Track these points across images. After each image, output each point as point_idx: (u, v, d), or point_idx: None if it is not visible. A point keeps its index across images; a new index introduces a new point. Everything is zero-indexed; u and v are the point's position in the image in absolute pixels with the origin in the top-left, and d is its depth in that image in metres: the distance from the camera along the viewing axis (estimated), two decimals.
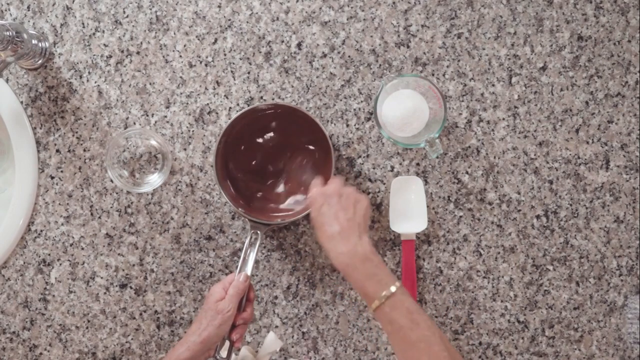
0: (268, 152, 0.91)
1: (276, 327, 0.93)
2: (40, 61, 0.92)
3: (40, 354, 0.94)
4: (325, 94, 0.92)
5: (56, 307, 0.94)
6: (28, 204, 0.93)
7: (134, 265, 0.94)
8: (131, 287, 0.94)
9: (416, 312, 0.72)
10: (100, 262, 0.93)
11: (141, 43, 0.93)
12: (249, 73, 0.92)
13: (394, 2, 0.91)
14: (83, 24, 0.93)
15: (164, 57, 0.92)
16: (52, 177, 0.94)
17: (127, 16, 0.93)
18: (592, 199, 0.91)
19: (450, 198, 0.91)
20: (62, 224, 0.94)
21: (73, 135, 0.93)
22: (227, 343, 0.82)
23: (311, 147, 0.90)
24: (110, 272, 0.94)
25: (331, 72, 0.92)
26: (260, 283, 0.93)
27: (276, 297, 0.93)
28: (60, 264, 0.94)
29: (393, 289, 0.72)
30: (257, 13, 0.92)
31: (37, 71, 0.94)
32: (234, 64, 0.92)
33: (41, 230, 0.94)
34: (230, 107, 0.92)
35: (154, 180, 0.92)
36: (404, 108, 0.85)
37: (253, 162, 0.91)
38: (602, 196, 0.91)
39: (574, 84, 0.91)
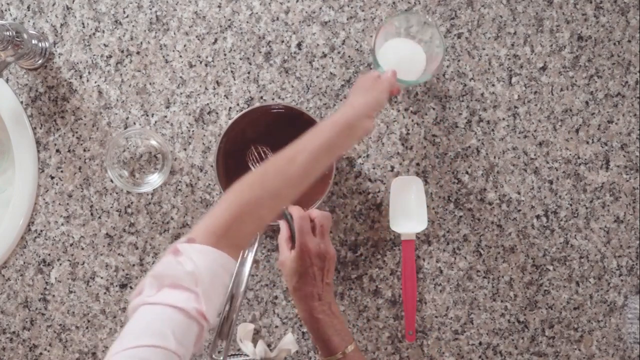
0: (268, 152, 0.91)
1: (276, 327, 0.93)
2: (40, 61, 0.92)
3: (40, 354, 0.94)
4: (325, 94, 0.92)
5: (56, 307, 0.94)
6: (28, 204, 0.93)
7: (134, 265, 0.94)
8: (131, 287, 0.94)
9: None
10: (100, 262, 0.93)
11: (141, 43, 0.93)
12: (249, 73, 0.92)
13: (394, 2, 0.91)
14: (83, 24, 0.93)
15: (164, 57, 0.92)
16: (52, 177, 0.94)
17: (127, 16, 0.93)
18: (592, 199, 0.91)
19: (450, 198, 0.91)
20: (62, 224, 0.94)
21: (73, 135, 0.93)
22: (225, 343, 0.82)
23: None
24: (110, 272, 0.94)
25: (331, 72, 0.92)
26: (260, 283, 0.93)
27: (276, 297, 0.93)
28: (60, 264, 0.94)
29: (350, 348, 0.78)
30: (257, 13, 0.92)
31: (37, 71, 0.94)
32: (234, 64, 0.92)
33: (41, 230, 0.94)
34: (230, 107, 0.92)
35: (154, 180, 0.92)
36: (400, 57, 0.83)
37: (253, 162, 0.91)
38: (602, 196, 0.91)
39: (574, 84, 0.91)
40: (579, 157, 0.91)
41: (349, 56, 0.91)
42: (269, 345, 0.93)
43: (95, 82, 0.93)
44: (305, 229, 0.80)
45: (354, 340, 0.79)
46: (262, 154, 0.89)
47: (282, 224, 0.83)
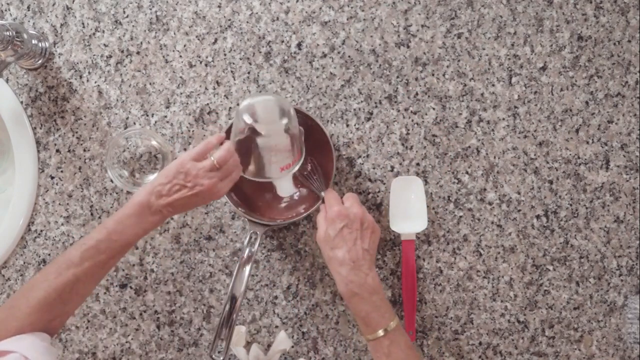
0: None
1: (276, 327, 0.93)
2: (40, 61, 0.92)
3: None
4: (325, 94, 0.92)
5: None
6: (28, 204, 0.93)
7: (134, 265, 0.94)
8: (131, 287, 0.94)
9: (411, 349, 0.75)
10: None
11: (141, 43, 0.93)
12: (249, 73, 0.92)
13: (394, 2, 0.91)
14: (83, 24, 0.93)
15: (164, 57, 0.92)
16: (52, 177, 0.94)
17: (127, 16, 0.93)
18: (592, 199, 0.91)
19: (450, 198, 0.91)
20: (62, 224, 0.94)
21: (73, 135, 0.93)
22: (224, 343, 0.82)
23: (312, 147, 0.90)
24: (110, 272, 0.93)
25: (331, 72, 0.92)
26: (260, 283, 0.93)
27: (276, 297, 0.93)
28: None
29: (393, 324, 0.75)
30: (257, 13, 0.92)
31: (37, 71, 0.94)
32: (234, 64, 0.92)
33: (41, 230, 0.94)
34: (230, 107, 0.92)
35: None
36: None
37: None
38: (602, 196, 0.91)
39: (574, 84, 0.91)
40: (579, 157, 0.91)
41: (349, 56, 0.91)
42: (269, 346, 0.93)
43: (95, 82, 0.93)
44: (334, 199, 0.81)
45: (396, 317, 0.76)
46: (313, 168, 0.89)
47: (322, 207, 0.82)
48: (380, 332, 0.74)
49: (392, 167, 0.92)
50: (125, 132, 0.89)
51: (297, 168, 0.82)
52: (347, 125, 0.92)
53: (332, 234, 0.77)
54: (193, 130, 0.93)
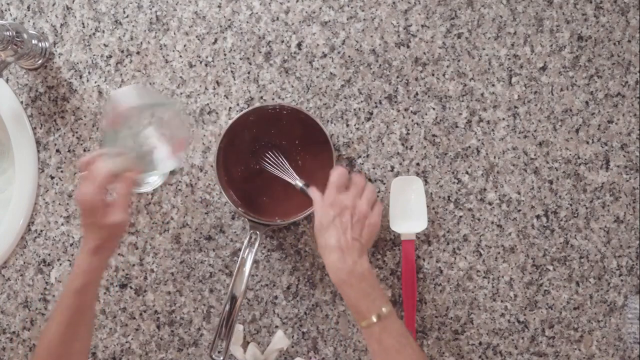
0: (268, 152, 0.91)
1: (276, 327, 0.93)
2: (40, 61, 0.92)
3: None
4: (325, 94, 0.92)
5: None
6: (28, 204, 0.93)
7: (134, 265, 0.94)
8: (131, 287, 0.94)
9: (404, 336, 0.74)
10: None
11: (141, 43, 0.93)
12: (249, 73, 0.92)
13: (394, 2, 0.91)
14: (83, 24, 0.93)
15: (164, 57, 0.92)
16: (52, 177, 0.94)
17: (127, 16, 0.93)
18: (592, 199, 0.91)
19: (450, 198, 0.91)
20: (62, 224, 0.94)
21: (73, 135, 0.93)
22: (224, 343, 0.82)
23: (312, 147, 0.90)
24: (110, 272, 0.94)
25: (331, 72, 0.92)
26: (260, 283, 0.93)
27: (276, 297, 0.93)
28: (60, 264, 0.94)
29: (385, 310, 0.74)
30: (257, 13, 0.92)
31: (37, 71, 0.94)
32: (234, 64, 0.92)
33: (41, 230, 0.94)
34: (230, 107, 0.92)
35: (154, 180, 0.92)
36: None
37: (253, 163, 0.91)
38: (602, 196, 0.91)
39: (574, 84, 0.91)
40: (579, 157, 0.91)
41: (349, 56, 0.91)
42: (269, 346, 0.93)
43: (95, 82, 0.93)
44: (332, 182, 0.79)
45: (389, 303, 0.75)
46: (275, 157, 0.89)
47: (317, 195, 0.81)
48: (373, 319, 0.73)
49: (392, 167, 0.92)
50: None
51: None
52: (347, 125, 0.92)
53: (325, 221, 0.77)
54: (193, 130, 0.93)
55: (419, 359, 0.74)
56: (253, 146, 0.91)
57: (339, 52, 0.92)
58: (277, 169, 0.88)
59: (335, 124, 0.92)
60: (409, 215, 0.91)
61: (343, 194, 0.79)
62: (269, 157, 0.89)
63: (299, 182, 0.85)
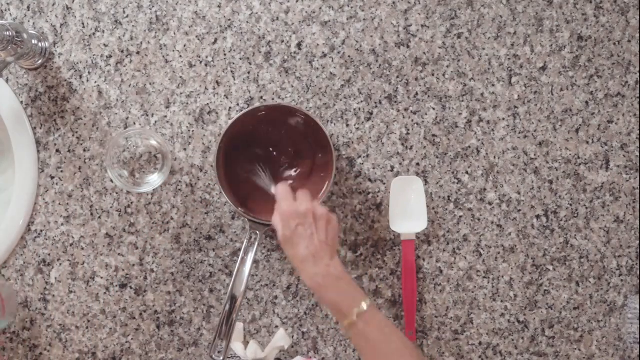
0: (268, 152, 0.91)
1: (276, 327, 0.93)
2: (40, 61, 0.92)
3: (40, 354, 0.94)
4: (325, 94, 0.92)
5: (56, 307, 0.94)
6: (28, 204, 0.93)
7: (134, 265, 0.94)
8: (131, 287, 0.94)
9: (388, 327, 0.75)
10: (100, 262, 0.93)
11: (141, 43, 0.93)
12: (249, 73, 0.92)
13: (394, 2, 0.91)
14: (83, 24, 0.93)
15: (164, 57, 0.92)
16: (52, 177, 0.94)
17: (127, 16, 0.93)
18: (592, 199, 0.91)
19: (450, 198, 0.91)
20: (62, 224, 0.94)
21: (73, 135, 0.93)
22: (224, 343, 0.82)
23: (311, 147, 0.90)
24: (110, 272, 0.94)
25: (331, 72, 0.92)
26: (260, 283, 0.93)
27: (276, 297, 0.93)
28: (60, 264, 0.94)
29: (364, 305, 0.74)
30: (257, 13, 0.92)
31: (37, 71, 0.94)
32: (234, 64, 0.92)
33: (41, 230, 0.94)
34: (230, 107, 0.92)
35: (154, 180, 0.92)
36: None
37: (253, 162, 0.91)
38: (602, 196, 0.91)
39: (574, 84, 0.91)
40: (579, 157, 0.91)
41: (349, 56, 0.91)
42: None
43: (95, 82, 0.93)
44: (280, 195, 0.81)
45: (367, 297, 0.75)
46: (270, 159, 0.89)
47: (276, 206, 0.82)
48: (354, 317, 0.74)
49: (392, 167, 0.92)
50: (125, 132, 0.89)
51: None
52: (347, 125, 0.92)
53: (289, 233, 0.78)
54: (193, 131, 0.93)
55: (405, 345, 0.74)
56: (253, 146, 0.91)
57: (339, 52, 0.92)
58: (260, 180, 0.89)
59: (335, 124, 0.92)
60: (409, 215, 0.91)
61: (297, 202, 0.80)
62: (258, 170, 0.90)
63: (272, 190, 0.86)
